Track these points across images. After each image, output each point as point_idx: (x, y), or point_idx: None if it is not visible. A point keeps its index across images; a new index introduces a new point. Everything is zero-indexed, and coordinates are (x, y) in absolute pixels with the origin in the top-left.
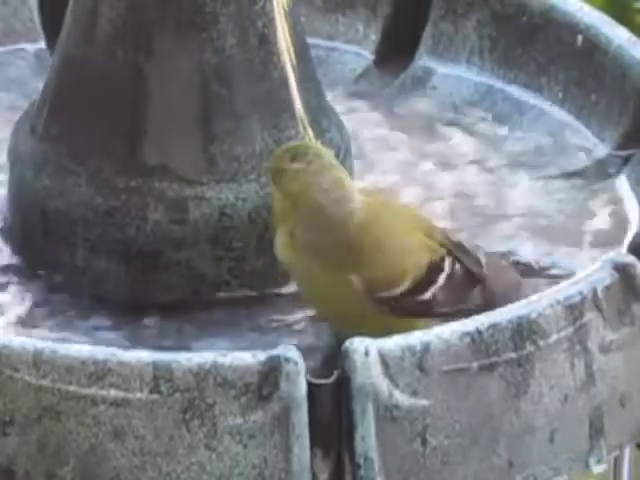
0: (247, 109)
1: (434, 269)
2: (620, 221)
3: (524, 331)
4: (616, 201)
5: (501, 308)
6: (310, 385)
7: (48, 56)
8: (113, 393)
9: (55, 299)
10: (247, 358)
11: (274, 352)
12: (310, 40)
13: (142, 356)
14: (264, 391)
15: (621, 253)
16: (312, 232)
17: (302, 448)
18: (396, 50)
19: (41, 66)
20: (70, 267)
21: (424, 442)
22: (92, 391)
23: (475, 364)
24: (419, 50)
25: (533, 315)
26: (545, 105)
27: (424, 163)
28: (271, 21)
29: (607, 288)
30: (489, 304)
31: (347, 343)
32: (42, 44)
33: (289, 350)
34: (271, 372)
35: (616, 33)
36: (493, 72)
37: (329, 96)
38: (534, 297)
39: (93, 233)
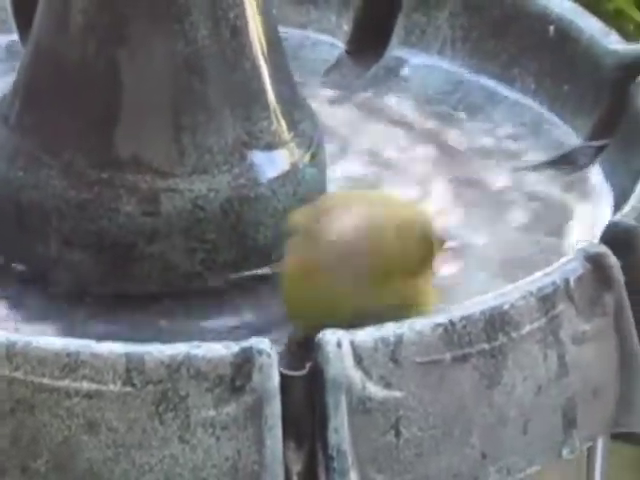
0: (219, 100)
1: None
2: (593, 211)
3: (497, 322)
4: (590, 191)
5: (474, 300)
6: (283, 377)
7: (20, 48)
8: (86, 385)
9: (29, 291)
10: (220, 350)
11: (247, 344)
12: (282, 30)
13: (115, 348)
14: (237, 383)
15: (594, 244)
16: None
17: (275, 440)
18: (369, 41)
19: (13, 59)
20: (44, 259)
21: (397, 434)
22: (65, 383)
23: (448, 355)
24: (391, 41)
25: (505, 306)
26: (518, 96)
27: (396, 154)
28: (243, 12)
29: (579, 279)
30: None
31: (320, 335)
32: (15, 36)
33: (262, 342)
34: (244, 364)
35: (588, 24)
36: (465, 63)
37: (301, 87)
38: (507, 288)
39: (66, 225)
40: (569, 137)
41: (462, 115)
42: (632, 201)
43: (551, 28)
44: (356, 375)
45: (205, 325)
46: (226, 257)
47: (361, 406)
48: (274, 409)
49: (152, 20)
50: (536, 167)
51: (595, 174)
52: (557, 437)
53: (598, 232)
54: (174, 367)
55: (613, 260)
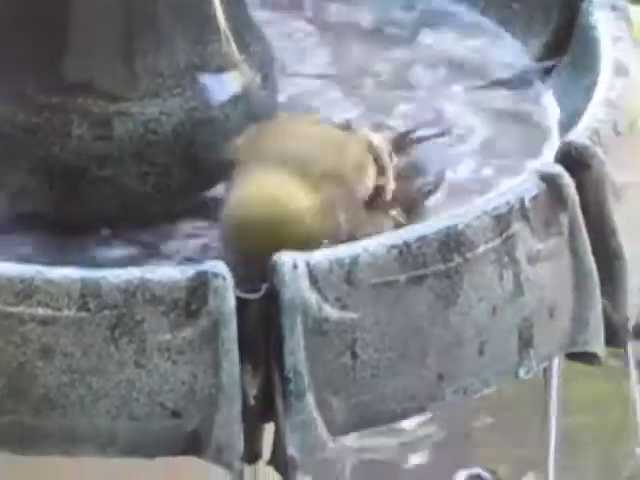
0: (170, 24)
1: None
2: (546, 131)
3: (451, 243)
4: (541, 111)
5: (428, 221)
6: (239, 300)
7: None
8: (41, 311)
9: None
10: (175, 274)
11: (202, 267)
12: None
13: (69, 273)
14: (192, 307)
15: (548, 163)
16: None
17: (231, 363)
18: None
19: None
20: None
21: (353, 356)
22: (20, 309)
23: (403, 277)
24: None
25: (460, 226)
26: (467, 15)
27: (346, 74)
28: None
29: (534, 198)
30: None
31: (275, 257)
32: None
33: (217, 265)
34: (199, 287)
35: None
36: None
37: (251, 8)
38: (461, 210)
39: (17, 151)
40: (519, 57)
41: (411, 34)
42: (584, 120)
43: None
44: (312, 297)
45: (159, 249)
46: (178, 181)
47: (317, 327)
48: (230, 332)
49: None
50: (486, 86)
51: (546, 94)
52: (513, 358)
53: (551, 151)
54: (130, 291)
55: (568, 179)
